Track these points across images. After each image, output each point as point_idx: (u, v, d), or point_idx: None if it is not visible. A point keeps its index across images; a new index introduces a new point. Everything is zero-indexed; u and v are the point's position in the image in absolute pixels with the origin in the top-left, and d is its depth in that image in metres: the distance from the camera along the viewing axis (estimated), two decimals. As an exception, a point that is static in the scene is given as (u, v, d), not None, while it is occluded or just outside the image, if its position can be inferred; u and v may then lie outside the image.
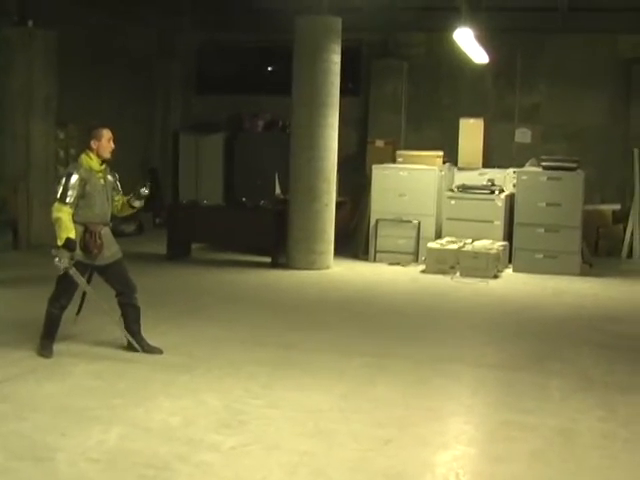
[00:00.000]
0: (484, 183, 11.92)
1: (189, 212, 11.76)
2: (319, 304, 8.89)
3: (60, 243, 6.08)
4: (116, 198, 6.57)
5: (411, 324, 8.00)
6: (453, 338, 7.48)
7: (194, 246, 12.18)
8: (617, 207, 13.08)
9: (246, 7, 13.97)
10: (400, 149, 13.06)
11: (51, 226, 6.25)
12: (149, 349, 6.46)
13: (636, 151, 12.80)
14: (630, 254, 12.54)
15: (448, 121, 13.62)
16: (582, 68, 13.78)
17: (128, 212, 6.76)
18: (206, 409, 5.24)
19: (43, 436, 4.67)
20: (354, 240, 12.55)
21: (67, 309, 6.40)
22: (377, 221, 11.88)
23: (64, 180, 6.23)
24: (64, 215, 6.13)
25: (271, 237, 11.20)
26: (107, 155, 6.38)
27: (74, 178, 6.20)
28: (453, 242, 11.18)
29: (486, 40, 11.89)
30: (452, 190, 11.96)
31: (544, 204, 11.14)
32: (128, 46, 14.44)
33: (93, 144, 6.32)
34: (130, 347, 6.48)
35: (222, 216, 11.61)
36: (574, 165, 11.30)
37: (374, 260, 11.82)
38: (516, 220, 11.30)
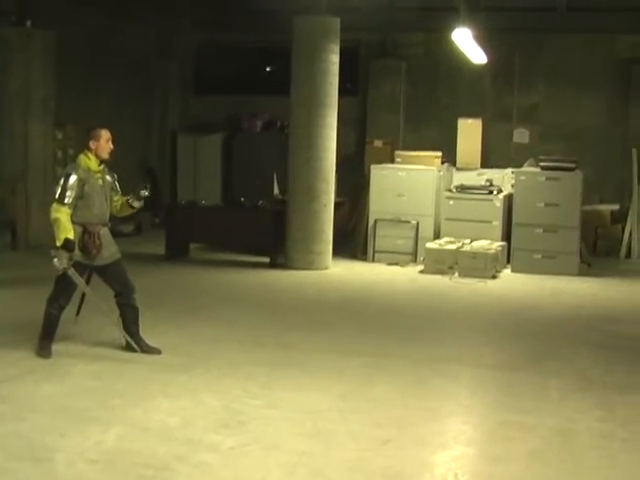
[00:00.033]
0: (482, 183, 11.93)
1: (187, 212, 11.75)
2: (318, 304, 8.89)
3: (59, 244, 6.08)
4: (115, 198, 6.57)
5: (410, 324, 8.01)
6: (452, 338, 7.48)
7: (192, 246, 12.18)
8: (615, 207, 13.07)
9: (244, 7, 13.95)
10: (398, 149, 13.07)
11: (49, 226, 6.25)
12: (148, 349, 6.46)
13: (634, 151, 12.79)
14: (628, 254, 12.52)
15: (446, 121, 13.61)
16: (580, 68, 13.77)
17: (127, 212, 6.76)
18: (205, 409, 5.24)
19: (42, 436, 4.67)
20: (353, 240, 12.56)
21: (66, 310, 6.40)
22: (375, 221, 11.88)
23: (62, 180, 6.23)
24: (62, 216, 6.13)
25: (270, 237, 11.19)
26: (106, 156, 6.39)
27: (72, 178, 6.21)
28: (451, 242, 11.18)
29: (484, 40, 11.88)
30: (450, 190, 11.97)
31: (542, 204, 11.14)
32: (126, 46, 14.41)
33: (92, 144, 6.33)
34: (129, 347, 6.48)
35: (220, 216, 11.61)
36: (572, 165, 11.30)
37: (372, 260, 11.82)
38: (514, 220, 11.30)
